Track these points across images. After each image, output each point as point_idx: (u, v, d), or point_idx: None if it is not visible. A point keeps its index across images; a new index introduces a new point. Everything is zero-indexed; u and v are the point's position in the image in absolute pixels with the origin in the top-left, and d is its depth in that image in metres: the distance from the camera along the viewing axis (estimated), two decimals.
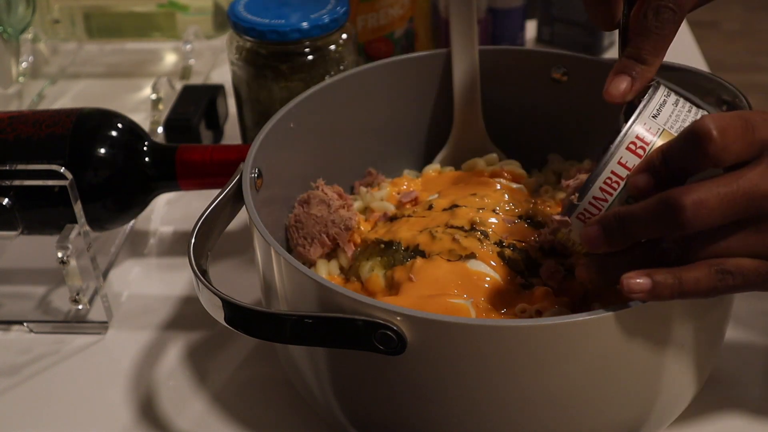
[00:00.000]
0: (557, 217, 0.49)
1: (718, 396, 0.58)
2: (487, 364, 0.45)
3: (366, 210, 0.65)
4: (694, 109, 0.49)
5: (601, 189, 0.47)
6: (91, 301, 0.67)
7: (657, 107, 0.47)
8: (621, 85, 0.51)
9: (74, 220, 0.63)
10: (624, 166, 0.46)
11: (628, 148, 0.46)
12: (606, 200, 0.47)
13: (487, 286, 0.53)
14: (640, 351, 0.46)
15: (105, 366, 0.64)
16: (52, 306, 0.69)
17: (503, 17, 0.94)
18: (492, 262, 0.55)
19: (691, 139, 0.43)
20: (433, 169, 0.69)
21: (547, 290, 0.53)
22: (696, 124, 0.42)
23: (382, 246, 0.58)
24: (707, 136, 0.42)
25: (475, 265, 0.54)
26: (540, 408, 0.47)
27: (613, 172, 0.46)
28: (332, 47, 0.73)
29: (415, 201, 0.65)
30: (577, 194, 0.48)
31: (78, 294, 0.64)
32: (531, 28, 1.00)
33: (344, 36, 0.74)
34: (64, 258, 0.62)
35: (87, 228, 0.64)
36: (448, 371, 0.46)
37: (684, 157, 0.43)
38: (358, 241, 0.60)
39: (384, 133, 0.69)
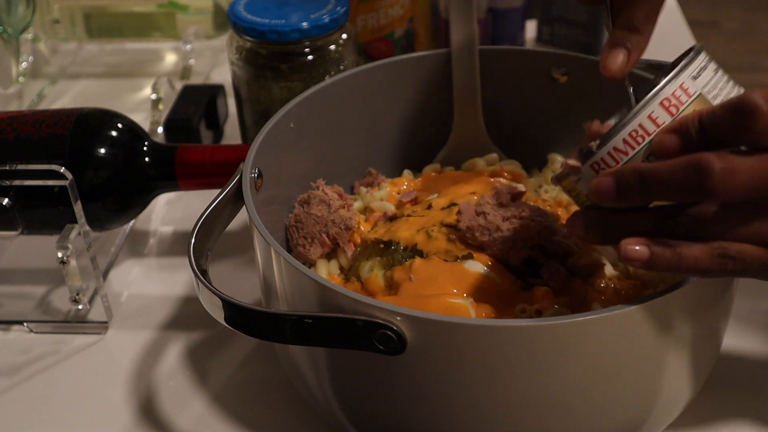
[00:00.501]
0: (571, 162, 0.47)
1: (718, 395, 0.58)
2: (487, 364, 0.45)
3: (366, 210, 0.65)
4: (732, 82, 0.47)
5: (624, 141, 0.45)
6: (91, 301, 0.67)
7: (698, 69, 0.45)
8: (618, 59, 0.51)
9: (74, 220, 0.63)
10: (654, 121, 0.44)
11: (661, 104, 0.44)
12: (627, 153, 0.45)
13: (486, 286, 0.53)
14: (640, 351, 0.46)
15: (105, 366, 0.64)
16: (52, 306, 0.69)
17: (503, 17, 0.94)
18: (489, 263, 0.55)
19: (737, 111, 0.41)
20: (433, 169, 0.69)
21: (547, 290, 0.53)
22: (745, 97, 0.41)
23: (382, 246, 0.58)
24: (757, 110, 0.41)
25: (473, 266, 0.54)
26: (540, 408, 0.47)
27: (640, 125, 0.44)
28: (332, 47, 0.73)
29: (415, 201, 0.65)
30: (598, 141, 0.46)
31: (78, 294, 0.64)
32: (531, 28, 1.00)
33: (344, 36, 0.74)
34: (64, 258, 0.62)
35: (87, 228, 0.64)
36: (448, 371, 0.46)
37: (725, 127, 0.42)
38: (358, 241, 0.60)
39: (384, 133, 0.69)
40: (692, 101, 0.45)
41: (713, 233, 0.43)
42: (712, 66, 0.46)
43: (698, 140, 0.43)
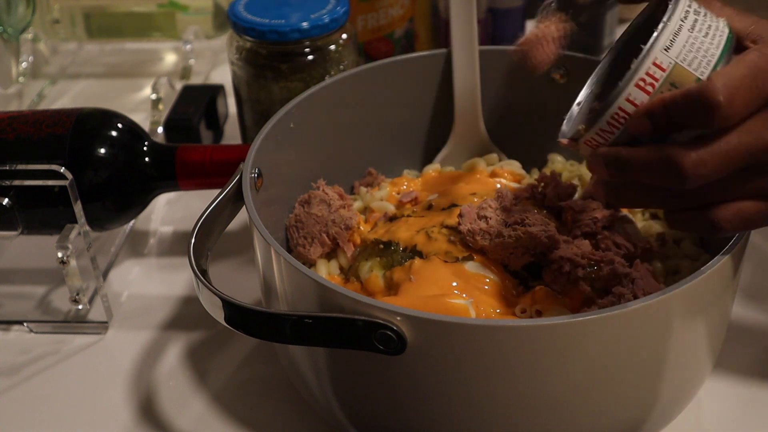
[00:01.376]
0: (563, 141, 0.50)
1: (719, 395, 0.58)
2: (487, 364, 0.45)
3: (366, 210, 0.65)
4: (714, 25, 0.46)
5: (608, 123, 0.46)
6: (91, 301, 0.67)
7: (670, 37, 0.45)
8: None
9: (74, 220, 0.63)
10: (632, 102, 0.45)
11: (636, 85, 0.45)
12: (612, 133, 0.46)
13: (486, 287, 0.53)
14: (640, 351, 0.46)
15: (105, 366, 0.64)
16: (52, 306, 0.69)
17: (503, 17, 0.94)
18: (489, 264, 0.54)
19: (697, 103, 0.43)
20: (433, 169, 0.69)
21: (547, 290, 0.53)
22: (703, 89, 0.42)
23: (381, 246, 0.58)
24: (715, 104, 0.42)
25: (473, 267, 0.54)
26: (540, 408, 0.47)
27: (620, 108, 0.45)
28: (332, 47, 0.73)
29: (415, 201, 0.65)
30: (583, 126, 0.48)
31: (78, 294, 0.64)
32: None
33: (344, 36, 0.74)
34: (64, 258, 0.62)
35: (87, 228, 0.64)
36: (448, 371, 0.46)
37: (687, 117, 0.44)
38: (358, 241, 0.60)
39: (384, 133, 0.69)
40: (667, 75, 0.45)
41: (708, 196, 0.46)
42: (689, 22, 0.45)
43: (667, 125, 0.45)
